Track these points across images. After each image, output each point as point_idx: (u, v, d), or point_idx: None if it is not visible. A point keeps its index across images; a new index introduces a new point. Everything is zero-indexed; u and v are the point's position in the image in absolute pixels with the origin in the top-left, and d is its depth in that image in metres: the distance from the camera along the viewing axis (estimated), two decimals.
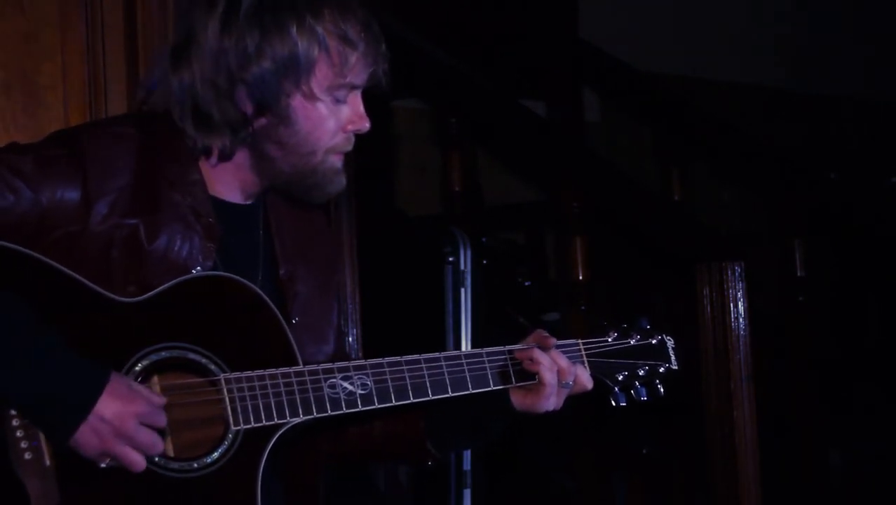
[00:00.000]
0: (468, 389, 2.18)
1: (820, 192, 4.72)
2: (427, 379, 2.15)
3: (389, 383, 2.12)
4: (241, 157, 2.16)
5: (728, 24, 6.44)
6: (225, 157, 2.14)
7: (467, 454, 3.43)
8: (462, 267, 3.52)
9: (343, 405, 2.09)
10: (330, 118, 2.13)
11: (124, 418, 1.91)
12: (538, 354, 2.21)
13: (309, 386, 2.07)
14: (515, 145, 4.89)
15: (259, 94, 2.08)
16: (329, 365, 2.10)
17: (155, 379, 2.01)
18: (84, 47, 2.88)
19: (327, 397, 2.08)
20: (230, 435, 2.02)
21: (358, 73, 2.12)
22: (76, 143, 2.08)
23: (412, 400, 2.14)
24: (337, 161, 2.16)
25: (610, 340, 2.35)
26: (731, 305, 3.48)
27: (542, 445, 4.15)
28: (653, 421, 4.16)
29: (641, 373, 2.34)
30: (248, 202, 2.22)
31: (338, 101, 2.13)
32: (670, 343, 2.39)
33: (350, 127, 2.15)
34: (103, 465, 1.93)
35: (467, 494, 3.44)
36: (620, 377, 2.33)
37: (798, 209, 4.51)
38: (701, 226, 3.76)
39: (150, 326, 2.00)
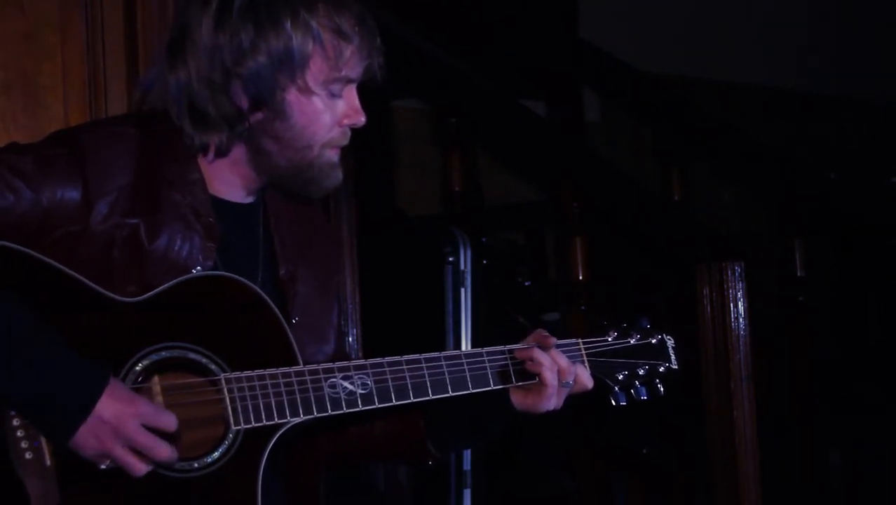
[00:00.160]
0: (468, 389, 2.18)
1: (820, 192, 4.72)
2: (427, 379, 2.15)
3: (390, 383, 2.12)
4: (238, 152, 2.16)
5: (728, 24, 6.44)
6: (222, 153, 2.14)
7: (467, 454, 3.43)
8: (462, 267, 3.52)
9: (343, 405, 2.09)
10: (325, 112, 2.13)
11: (124, 420, 1.91)
12: (538, 353, 2.21)
13: (309, 386, 2.07)
14: (515, 145, 4.89)
15: (254, 89, 2.09)
16: (329, 365, 2.10)
17: (155, 379, 2.01)
18: (84, 47, 2.88)
19: (327, 397, 2.08)
20: (230, 435, 2.02)
21: (353, 66, 2.12)
22: (76, 142, 2.08)
23: (412, 400, 2.14)
24: (333, 155, 2.16)
25: (610, 339, 2.35)
26: (731, 305, 3.47)
27: (543, 444, 4.15)
28: (653, 421, 4.15)
29: (641, 372, 2.34)
30: (248, 200, 2.22)
31: (333, 95, 2.13)
32: (670, 342, 2.39)
33: (346, 121, 2.16)
34: (103, 466, 1.93)
35: (467, 493, 3.45)
36: (620, 377, 2.33)
37: (798, 209, 4.51)
38: (701, 226, 3.76)
39: (151, 326, 2.00)
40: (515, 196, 5.40)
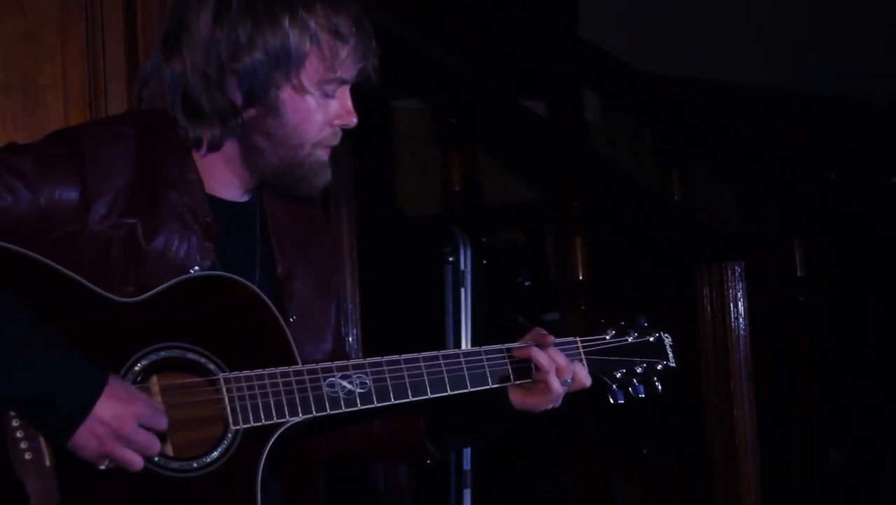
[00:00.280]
0: (467, 388, 2.18)
1: (820, 192, 4.72)
2: (426, 378, 2.15)
3: (388, 382, 2.12)
4: (231, 148, 2.16)
5: (728, 24, 6.44)
6: (214, 147, 2.14)
7: (467, 454, 3.43)
8: (462, 267, 3.52)
9: (342, 404, 2.09)
10: (318, 112, 2.13)
11: (123, 420, 1.91)
12: (536, 352, 2.21)
13: (308, 385, 2.07)
14: (515, 145, 4.89)
15: (249, 85, 2.09)
16: (328, 364, 2.10)
17: (154, 379, 2.01)
18: (84, 47, 2.88)
19: (326, 396, 2.08)
20: (229, 434, 2.02)
21: (348, 67, 2.13)
22: (75, 142, 2.08)
23: (411, 399, 2.14)
24: (324, 155, 2.17)
25: (608, 337, 2.35)
26: (731, 305, 3.47)
27: (542, 443, 4.15)
28: (653, 420, 4.15)
29: (639, 370, 2.35)
30: (245, 199, 2.22)
31: (326, 95, 2.14)
32: (668, 341, 2.40)
33: (337, 121, 2.16)
34: (102, 466, 1.93)
35: (467, 493, 3.45)
36: (618, 375, 2.33)
37: (798, 209, 4.50)
38: (701, 226, 3.76)
39: (149, 326, 2.00)
40: (515, 196, 5.40)
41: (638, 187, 3.90)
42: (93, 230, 2.04)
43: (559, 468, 4.21)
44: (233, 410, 2.02)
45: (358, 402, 2.10)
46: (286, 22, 2.08)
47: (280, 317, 2.09)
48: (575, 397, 2.28)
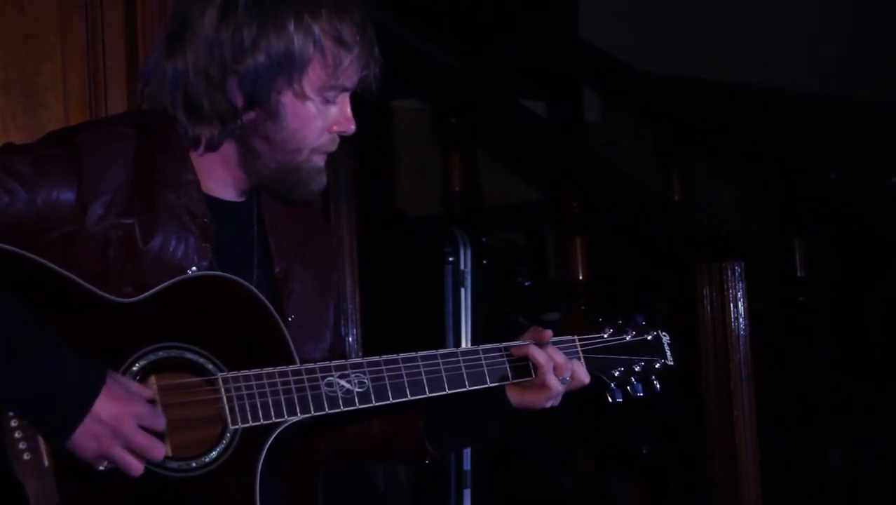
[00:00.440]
0: (465, 387, 2.18)
1: (820, 192, 4.72)
2: (424, 377, 2.15)
3: (387, 381, 2.12)
4: (229, 150, 2.16)
5: (728, 24, 6.44)
6: (212, 147, 2.14)
7: (467, 454, 3.43)
8: (462, 267, 3.52)
9: (340, 403, 2.09)
10: (318, 118, 2.13)
11: (122, 420, 1.91)
12: (534, 349, 2.21)
13: (306, 385, 2.07)
14: (515, 145, 4.89)
15: (250, 88, 2.09)
16: (326, 363, 2.10)
17: (152, 379, 2.01)
18: (84, 47, 2.89)
19: (325, 396, 2.08)
20: (228, 434, 2.02)
21: (350, 75, 2.12)
22: (73, 143, 2.08)
23: (409, 398, 2.14)
24: (320, 160, 2.17)
25: (605, 336, 2.35)
26: (731, 305, 3.47)
27: (542, 443, 4.15)
28: (652, 420, 4.16)
29: (637, 369, 2.34)
30: (241, 199, 2.22)
31: (327, 102, 2.14)
32: (665, 339, 2.40)
33: (336, 128, 2.16)
34: (101, 467, 1.93)
35: (467, 493, 3.45)
36: (616, 373, 2.33)
37: (798, 209, 4.50)
38: (701, 226, 3.76)
39: (147, 327, 2.00)
40: (515, 196, 5.40)
41: (638, 187, 3.90)
42: (90, 231, 2.04)
43: (559, 468, 4.21)
44: (231, 409, 2.02)
45: (356, 401, 2.10)
46: (291, 27, 2.08)
47: (278, 316, 2.09)
48: (574, 396, 2.28)
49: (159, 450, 1.94)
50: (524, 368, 2.22)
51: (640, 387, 2.35)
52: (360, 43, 2.11)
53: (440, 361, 2.17)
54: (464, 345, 3.42)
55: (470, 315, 3.51)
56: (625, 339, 2.36)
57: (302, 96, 2.11)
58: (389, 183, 5.10)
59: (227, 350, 2.04)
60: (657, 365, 2.37)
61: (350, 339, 3.32)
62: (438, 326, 3.49)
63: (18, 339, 1.88)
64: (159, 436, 1.95)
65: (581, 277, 3.84)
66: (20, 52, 2.86)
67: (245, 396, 2.03)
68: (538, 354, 2.21)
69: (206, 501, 2.00)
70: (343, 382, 2.10)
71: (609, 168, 4.02)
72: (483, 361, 2.21)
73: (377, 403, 2.11)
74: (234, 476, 2.01)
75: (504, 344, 2.24)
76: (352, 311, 3.34)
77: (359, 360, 2.12)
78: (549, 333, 2.26)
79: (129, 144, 2.11)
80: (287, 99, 2.11)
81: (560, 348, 2.26)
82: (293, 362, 2.08)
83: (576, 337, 2.32)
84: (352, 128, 2.17)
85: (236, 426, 2.02)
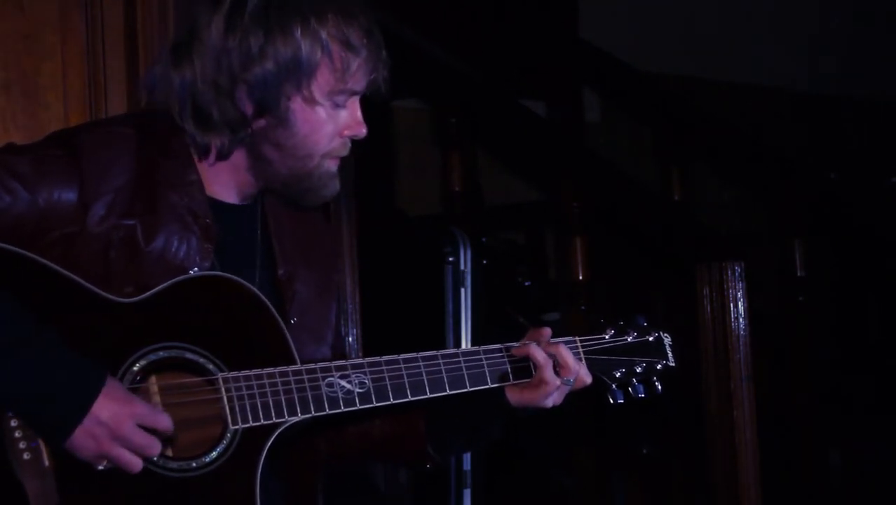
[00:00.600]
0: (466, 387, 2.18)
1: (820, 192, 4.72)
2: (425, 377, 2.15)
3: (387, 382, 2.12)
4: (239, 157, 2.16)
5: (728, 24, 6.44)
6: (223, 156, 2.14)
7: (467, 454, 3.42)
8: (462, 267, 3.52)
9: (341, 404, 2.09)
10: (328, 123, 2.13)
11: (121, 420, 1.91)
12: (534, 349, 2.21)
13: (307, 385, 2.07)
14: (515, 145, 4.89)
15: (260, 96, 2.09)
16: (327, 364, 2.10)
17: (153, 379, 2.01)
18: (84, 47, 2.88)
19: (325, 396, 2.08)
20: (228, 434, 2.02)
21: (358, 79, 2.12)
22: (74, 143, 2.08)
23: (410, 398, 2.14)
24: (332, 165, 2.17)
25: (607, 337, 2.35)
26: (731, 305, 3.48)
27: (542, 443, 4.15)
28: (653, 421, 4.16)
29: (639, 370, 2.34)
30: (246, 203, 2.22)
31: (337, 106, 2.13)
32: (667, 340, 2.39)
33: (347, 132, 2.16)
34: (100, 467, 1.93)
35: (467, 493, 3.45)
36: (618, 374, 2.33)
37: (798, 209, 4.51)
38: (701, 226, 3.77)
39: (148, 326, 2.00)
40: (515, 196, 5.40)
41: (638, 187, 3.91)
42: (92, 231, 2.04)
43: (559, 468, 4.21)
44: (231, 409, 2.02)
45: (357, 401, 2.10)
46: (298, 33, 2.07)
47: (279, 317, 2.09)
48: (575, 396, 2.28)
49: (158, 449, 1.94)
50: (525, 368, 2.22)
51: (641, 388, 2.35)
52: (368, 46, 2.11)
53: (441, 361, 2.17)
54: (464, 345, 3.43)
55: (470, 315, 3.51)
56: (626, 340, 2.36)
57: (311, 102, 2.10)
58: (389, 183, 5.09)
59: (228, 350, 2.04)
60: (659, 366, 2.37)
61: (350, 339, 3.31)
62: (438, 326, 3.49)
63: (18, 339, 1.88)
64: (162, 435, 1.95)
65: (581, 277, 3.85)
66: (20, 52, 2.86)
67: (245, 397, 2.03)
68: (537, 353, 2.20)
69: (207, 501, 2.00)
70: (344, 383, 2.10)
71: (609, 168, 4.02)
72: (484, 362, 2.21)
73: (378, 404, 2.11)
74: (235, 476, 2.01)
75: (505, 344, 2.24)
76: (352, 311, 3.34)
77: (359, 360, 2.12)
78: (549, 331, 2.26)
79: (130, 145, 2.11)
80: (297, 105, 2.11)
81: None
82: (294, 363, 2.08)
83: (577, 338, 2.32)
84: (363, 131, 2.16)
85: (237, 426, 2.02)
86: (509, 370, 2.22)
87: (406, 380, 2.14)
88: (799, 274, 4.43)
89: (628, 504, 4.31)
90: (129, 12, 2.91)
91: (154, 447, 1.94)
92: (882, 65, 6.86)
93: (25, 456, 1.90)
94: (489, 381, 2.21)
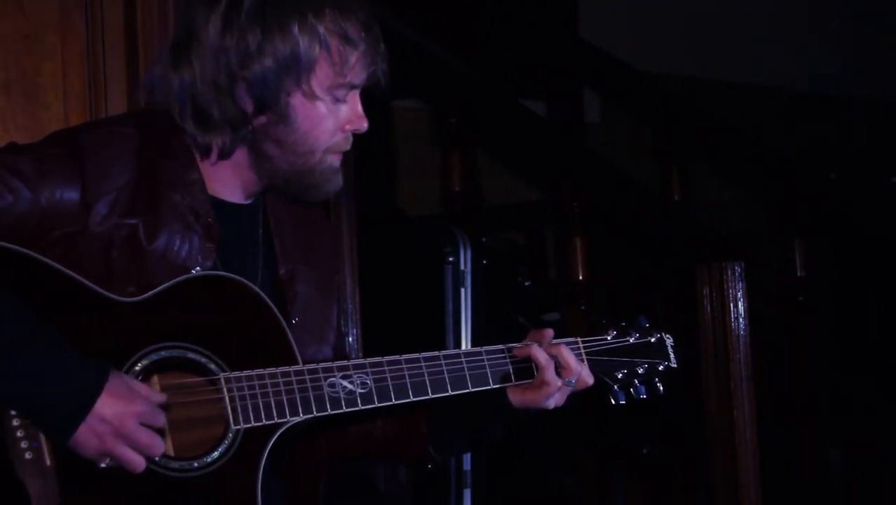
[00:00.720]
0: (468, 388, 2.18)
1: (820, 192, 4.72)
2: (427, 378, 2.15)
3: (389, 382, 2.12)
4: (240, 155, 2.16)
5: (728, 24, 6.44)
6: (224, 155, 2.14)
7: (467, 454, 3.42)
8: (462, 267, 3.52)
9: (343, 404, 2.09)
10: (329, 117, 2.13)
11: (124, 418, 1.91)
12: (536, 350, 2.21)
13: (309, 385, 2.07)
14: (515, 145, 4.89)
15: (259, 93, 2.09)
16: (329, 364, 2.10)
17: (155, 379, 2.01)
18: (84, 47, 2.88)
19: (327, 396, 2.08)
20: (230, 434, 2.02)
21: (358, 72, 2.12)
22: (75, 142, 2.08)
23: (412, 399, 2.14)
24: (335, 161, 2.17)
25: (609, 338, 2.35)
26: (731, 305, 3.48)
27: (543, 443, 4.15)
28: (653, 421, 4.16)
29: (640, 371, 2.34)
30: (248, 202, 2.22)
31: (337, 101, 2.13)
32: (669, 341, 2.39)
33: (348, 126, 2.16)
34: (103, 465, 1.93)
35: (467, 493, 3.45)
36: (620, 375, 2.33)
37: (798, 209, 4.51)
38: (701, 226, 3.77)
39: (150, 326, 2.00)
40: (515, 196, 5.40)
41: (638, 187, 3.91)
42: (94, 231, 2.04)
43: (559, 468, 4.21)
44: (233, 409, 2.02)
45: (359, 402, 2.10)
46: (295, 28, 2.08)
47: (281, 317, 2.09)
48: (576, 397, 2.28)
49: (160, 447, 1.94)
50: (527, 369, 2.22)
51: (643, 389, 2.35)
52: (366, 40, 2.12)
53: (443, 361, 2.17)
54: (464, 345, 3.43)
55: (470, 315, 3.51)
56: (628, 341, 2.36)
57: (311, 96, 2.11)
58: (389, 183, 5.09)
59: (230, 350, 2.04)
60: (660, 367, 2.37)
61: (350, 339, 3.32)
62: (438, 327, 3.49)
63: (20, 338, 1.88)
64: (160, 433, 1.95)
65: (581, 277, 3.85)
66: (20, 52, 2.86)
67: (247, 397, 2.03)
68: (538, 354, 2.20)
69: (208, 500, 1.99)
70: (345, 383, 2.10)
71: (609, 168, 4.02)
72: (486, 362, 2.21)
73: (379, 404, 2.11)
74: (236, 476, 2.01)
75: (507, 345, 2.24)
76: (352, 311, 3.34)
77: (361, 360, 2.12)
78: (550, 332, 2.26)
79: (131, 145, 2.11)
80: (297, 101, 2.11)
81: None
82: (296, 363, 2.08)
83: (579, 339, 2.32)
84: (364, 125, 2.17)
85: (238, 426, 2.02)
86: (511, 371, 2.22)
87: (408, 380, 2.14)
88: (799, 274, 4.44)
89: (628, 504, 4.31)
90: (129, 12, 2.91)
91: (157, 446, 1.94)
92: (882, 65, 6.86)
93: (27, 455, 1.90)
94: (491, 381, 2.21)
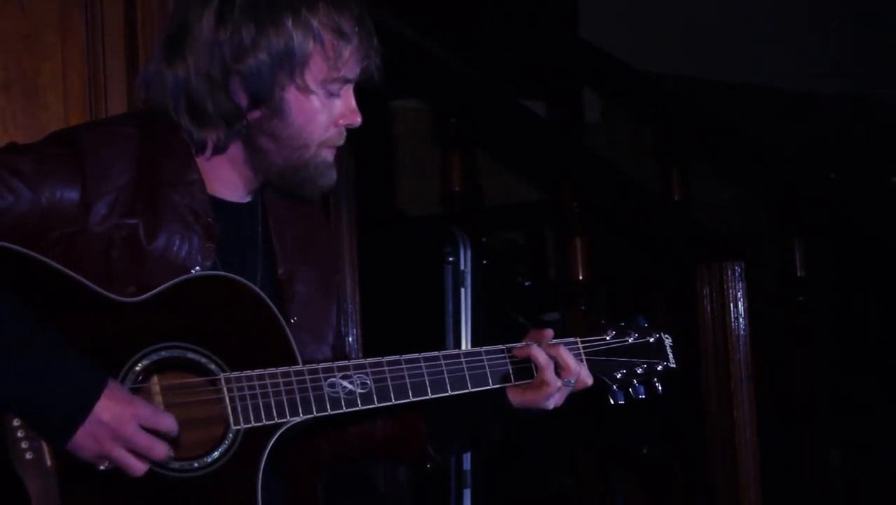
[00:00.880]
0: (467, 388, 2.18)
1: (820, 192, 4.72)
2: (426, 378, 2.15)
3: (389, 382, 2.12)
4: (235, 150, 2.16)
5: (728, 24, 6.44)
6: (219, 150, 2.15)
7: (467, 454, 3.42)
8: (462, 267, 3.52)
9: (343, 404, 2.09)
10: (323, 111, 2.14)
11: (122, 421, 1.91)
12: (536, 350, 2.21)
13: (308, 385, 2.07)
14: (515, 145, 4.90)
15: (254, 87, 2.10)
16: (329, 364, 2.10)
17: (155, 379, 2.01)
18: (84, 47, 2.88)
19: (327, 396, 2.08)
20: (230, 434, 2.02)
21: (351, 67, 2.13)
22: (75, 142, 2.08)
23: (411, 399, 2.14)
24: (329, 155, 2.18)
25: (608, 338, 2.35)
26: (731, 305, 3.48)
27: (543, 443, 4.15)
28: (653, 421, 4.16)
29: (639, 371, 2.34)
30: (247, 200, 2.22)
31: (331, 95, 2.14)
32: (668, 341, 2.39)
33: (342, 121, 2.17)
34: (102, 467, 1.93)
35: (467, 493, 3.45)
36: (619, 375, 2.33)
37: (798, 209, 4.51)
38: (701, 226, 3.77)
39: (150, 326, 2.00)
40: (515, 196, 5.40)
41: (638, 187, 3.91)
42: (94, 231, 2.05)
43: (559, 468, 4.21)
44: (233, 409, 2.02)
45: (358, 402, 2.10)
46: (289, 22, 2.08)
47: (280, 317, 2.09)
48: (575, 397, 2.28)
49: (160, 450, 1.94)
50: (526, 369, 2.22)
51: (642, 389, 2.35)
52: (360, 34, 2.12)
53: (443, 362, 2.17)
54: (463, 345, 3.43)
55: (470, 315, 3.51)
56: (627, 341, 2.36)
57: (305, 91, 2.11)
58: (389, 183, 5.09)
59: (230, 350, 2.04)
60: (659, 367, 2.37)
61: (350, 339, 3.31)
62: (438, 327, 3.49)
63: (20, 339, 1.88)
64: (165, 436, 1.95)
65: (581, 277, 3.85)
66: (20, 52, 2.86)
67: (248, 397, 2.03)
68: (538, 354, 2.21)
69: (208, 501, 2.00)
70: (345, 383, 2.10)
71: (609, 168, 4.02)
72: (485, 363, 2.21)
73: (379, 404, 2.11)
74: (237, 476, 2.01)
75: (506, 345, 2.24)
76: (352, 311, 3.34)
77: (361, 360, 2.12)
78: (550, 332, 2.26)
79: (131, 145, 2.11)
80: (291, 95, 2.11)
81: None
82: (296, 363, 2.08)
83: (578, 339, 2.32)
84: (358, 120, 2.17)
85: (239, 426, 2.02)
86: (511, 371, 2.22)
87: (408, 380, 2.14)
88: (799, 274, 4.43)
89: (628, 504, 4.31)
90: (129, 12, 2.91)
91: (156, 449, 1.94)
92: (881, 64, 6.86)
93: (27, 456, 1.90)
94: (490, 381, 2.21)
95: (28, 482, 1.90)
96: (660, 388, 2.36)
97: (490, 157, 5.11)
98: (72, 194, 2.04)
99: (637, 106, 5.47)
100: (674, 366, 2.38)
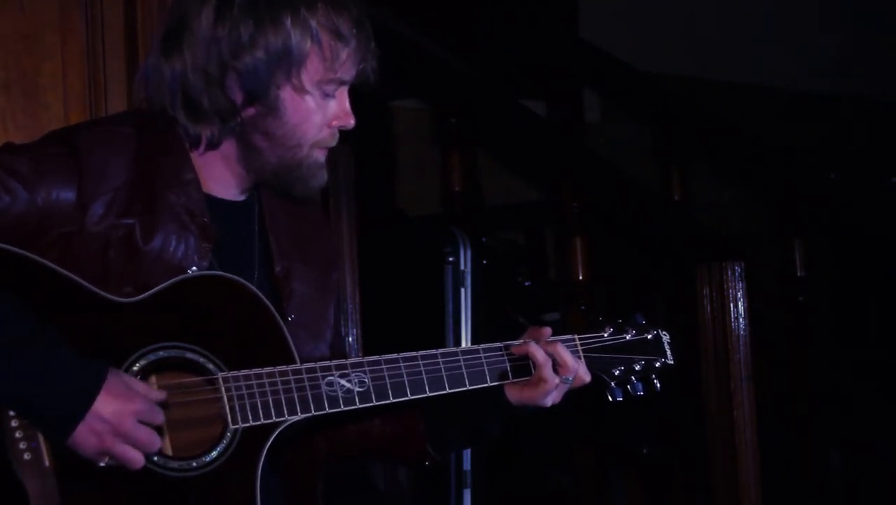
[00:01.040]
0: (465, 386, 2.19)
1: (820, 192, 4.72)
2: (424, 376, 2.15)
3: (387, 380, 2.13)
4: (229, 147, 2.17)
5: (728, 24, 6.44)
6: (213, 146, 2.15)
7: (467, 454, 3.43)
8: (462, 267, 3.52)
9: (341, 403, 2.09)
10: (317, 112, 2.14)
11: (122, 417, 1.91)
12: (534, 347, 2.21)
13: (307, 384, 2.07)
14: (515, 145, 4.90)
15: (250, 84, 2.10)
16: (327, 363, 2.10)
17: (153, 379, 2.01)
18: (84, 47, 2.89)
19: (325, 395, 2.08)
20: (228, 434, 2.02)
21: (348, 69, 2.14)
22: (73, 142, 2.08)
23: (409, 397, 2.14)
24: (321, 156, 2.18)
25: (605, 335, 2.35)
26: (731, 305, 3.48)
27: (542, 442, 4.15)
28: (652, 420, 4.16)
29: (637, 368, 2.35)
30: (242, 198, 2.22)
31: (326, 96, 2.15)
32: (665, 338, 2.40)
33: (336, 122, 2.17)
34: (102, 463, 1.93)
35: (467, 493, 3.45)
36: (616, 372, 2.33)
37: (798, 209, 4.51)
38: (701, 226, 3.77)
39: (148, 326, 2.00)
40: (515, 196, 5.40)
41: (638, 187, 3.91)
42: (90, 231, 2.05)
43: (557, 466, 4.21)
44: (232, 409, 2.02)
45: (357, 400, 2.10)
46: (288, 21, 2.09)
47: (278, 316, 2.09)
48: (574, 394, 2.29)
49: (158, 443, 1.95)
50: (524, 366, 2.23)
51: (640, 386, 2.35)
52: (357, 36, 2.13)
53: (440, 360, 2.17)
54: (463, 345, 3.42)
55: (470, 315, 3.51)
56: (625, 338, 2.36)
57: (301, 90, 2.12)
58: (389, 183, 5.10)
59: (228, 350, 2.04)
60: (657, 364, 2.37)
61: (350, 339, 3.31)
62: (438, 326, 3.49)
63: (19, 338, 1.89)
64: (158, 430, 1.96)
65: (581, 277, 3.85)
66: (20, 52, 2.86)
67: (245, 396, 2.03)
68: (536, 351, 2.21)
69: (207, 500, 2.00)
70: (343, 382, 2.10)
71: (609, 168, 4.02)
72: (483, 360, 2.21)
73: (377, 403, 2.12)
74: (235, 476, 2.01)
75: (504, 343, 2.24)
76: (352, 311, 3.34)
77: (359, 359, 2.12)
78: (548, 329, 2.26)
79: (129, 145, 2.11)
80: (286, 94, 2.12)
81: None
82: (293, 362, 2.08)
83: (576, 336, 2.32)
84: (351, 122, 2.18)
85: (237, 426, 2.03)
86: (509, 369, 2.23)
87: (406, 379, 2.14)
88: (799, 274, 4.43)
89: (627, 503, 4.31)
90: (129, 12, 2.92)
91: (155, 443, 1.95)
92: (882, 64, 6.86)
93: (26, 456, 1.91)
94: (488, 379, 2.21)
95: (27, 482, 1.90)
96: (658, 384, 2.37)
97: (490, 157, 5.11)
98: (68, 194, 2.05)
99: (637, 106, 5.47)
100: (672, 362, 2.38)
